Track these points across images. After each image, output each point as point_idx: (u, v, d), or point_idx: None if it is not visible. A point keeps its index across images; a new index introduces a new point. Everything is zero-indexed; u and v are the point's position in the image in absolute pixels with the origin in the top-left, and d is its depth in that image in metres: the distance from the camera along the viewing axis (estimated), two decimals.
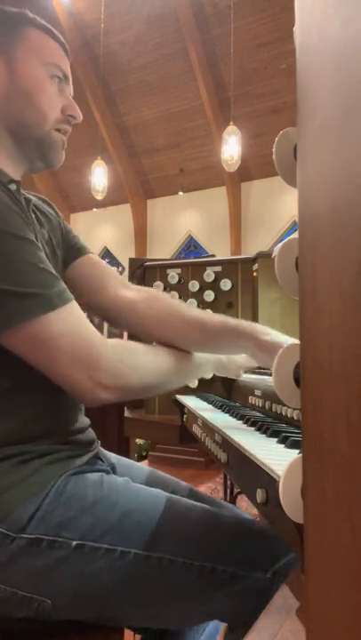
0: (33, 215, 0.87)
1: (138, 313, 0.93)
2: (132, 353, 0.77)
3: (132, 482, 0.81)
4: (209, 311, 1.11)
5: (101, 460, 0.89)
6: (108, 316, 0.98)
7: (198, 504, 0.79)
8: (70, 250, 0.96)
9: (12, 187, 0.78)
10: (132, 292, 0.96)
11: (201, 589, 0.71)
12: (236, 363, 0.98)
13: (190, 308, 0.95)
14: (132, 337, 1.06)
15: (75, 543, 0.69)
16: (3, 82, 0.80)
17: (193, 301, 1.88)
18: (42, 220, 0.90)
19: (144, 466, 1.00)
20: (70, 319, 0.70)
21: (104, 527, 0.71)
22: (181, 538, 0.72)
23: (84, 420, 0.87)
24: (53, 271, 0.72)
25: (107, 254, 11.84)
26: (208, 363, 0.93)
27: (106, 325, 1.01)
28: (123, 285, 0.97)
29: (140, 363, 0.77)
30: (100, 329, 0.76)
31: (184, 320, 0.89)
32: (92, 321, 0.76)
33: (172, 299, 0.98)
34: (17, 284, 0.67)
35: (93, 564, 0.69)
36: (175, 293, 1.93)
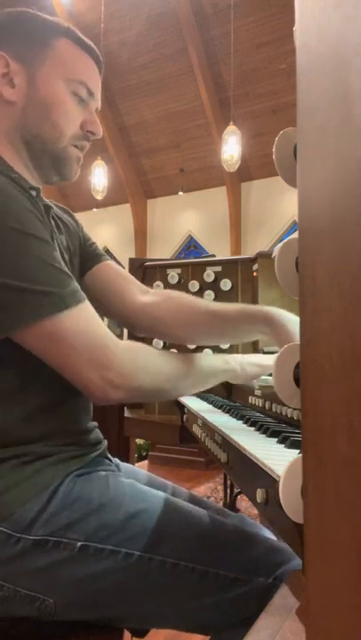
0: (52, 222, 0.87)
1: (157, 315, 0.94)
2: (145, 355, 0.76)
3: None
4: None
5: (108, 459, 0.89)
6: (128, 323, 0.99)
7: (201, 509, 0.79)
8: (88, 257, 0.97)
9: (33, 193, 0.78)
10: (149, 297, 0.96)
11: (203, 593, 0.71)
12: (249, 374, 0.95)
13: (207, 302, 0.96)
14: (132, 337, 1.07)
15: (79, 544, 0.69)
16: (22, 93, 0.80)
17: None
18: (61, 227, 0.90)
19: (143, 470, 1.00)
20: (83, 318, 0.70)
21: (109, 529, 0.71)
22: (185, 542, 0.72)
23: (89, 422, 0.86)
24: (67, 271, 0.72)
25: (107, 254, 11.82)
26: (221, 372, 0.90)
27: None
28: (141, 291, 0.98)
29: (151, 365, 0.76)
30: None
31: (204, 314, 0.91)
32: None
33: (188, 295, 0.99)
34: (30, 281, 0.66)
35: (97, 565, 0.69)
36: None
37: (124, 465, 0.96)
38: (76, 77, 0.81)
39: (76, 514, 0.71)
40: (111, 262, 1.00)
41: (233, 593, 0.70)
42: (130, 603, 0.72)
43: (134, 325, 0.98)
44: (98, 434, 0.88)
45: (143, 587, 0.71)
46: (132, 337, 1.05)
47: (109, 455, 0.91)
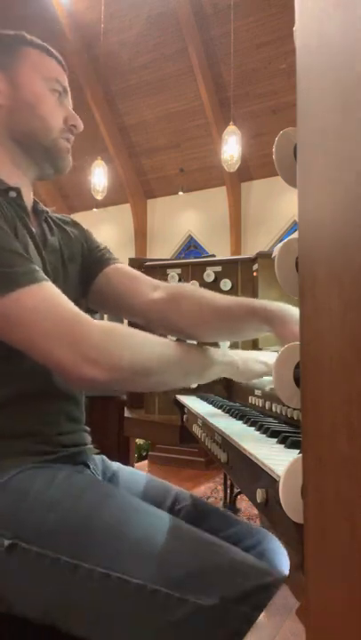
0: (45, 225, 0.91)
1: (166, 315, 0.93)
2: (123, 332, 0.72)
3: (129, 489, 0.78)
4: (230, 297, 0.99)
5: (86, 464, 0.85)
6: (143, 322, 0.98)
7: (160, 513, 0.72)
8: (95, 262, 0.98)
9: (12, 194, 0.81)
10: (160, 293, 0.96)
11: (140, 611, 0.60)
12: (253, 370, 0.89)
13: (216, 298, 0.94)
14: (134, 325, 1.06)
15: (7, 543, 0.66)
16: (7, 96, 0.85)
17: None
18: (55, 230, 0.93)
19: (147, 475, 0.96)
20: (43, 296, 0.69)
21: (36, 527, 0.66)
22: (119, 549, 0.63)
23: (73, 425, 0.85)
24: (24, 254, 0.73)
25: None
26: (219, 365, 0.85)
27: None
28: (152, 288, 0.97)
29: (131, 342, 0.72)
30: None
31: (212, 312, 0.91)
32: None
33: (199, 289, 0.99)
34: None
35: (25, 568, 0.65)
36: None
37: (124, 468, 0.94)
38: (52, 75, 0.88)
39: (9, 504, 0.68)
40: (120, 265, 1.00)
41: (176, 616, 0.58)
42: (68, 614, 0.65)
43: (148, 323, 0.98)
44: (79, 438, 0.86)
45: (73, 598, 0.64)
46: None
47: (95, 462, 0.88)
